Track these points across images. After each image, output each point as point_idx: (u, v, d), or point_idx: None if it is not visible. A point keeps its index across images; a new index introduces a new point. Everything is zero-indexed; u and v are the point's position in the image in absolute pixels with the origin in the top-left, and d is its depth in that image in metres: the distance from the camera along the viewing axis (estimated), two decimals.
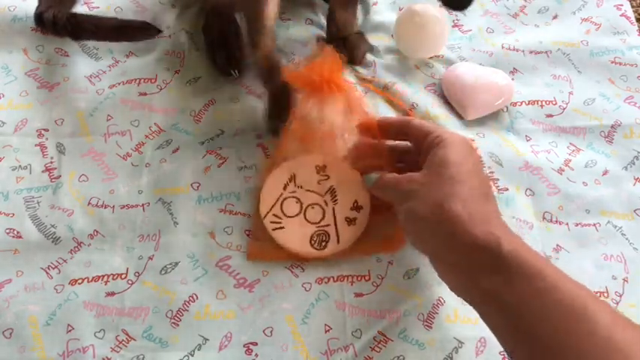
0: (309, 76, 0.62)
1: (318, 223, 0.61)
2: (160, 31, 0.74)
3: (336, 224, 0.61)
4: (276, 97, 0.68)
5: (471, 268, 0.48)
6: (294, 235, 0.60)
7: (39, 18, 0.73)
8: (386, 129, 0.61)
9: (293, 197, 0.62)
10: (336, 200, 0.62)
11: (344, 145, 0.64)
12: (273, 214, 0.61)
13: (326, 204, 0.62)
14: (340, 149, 0.64)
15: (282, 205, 0.62)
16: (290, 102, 0.66)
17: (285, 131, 0.65)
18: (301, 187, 0.63)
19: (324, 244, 0.60)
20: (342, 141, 0.64)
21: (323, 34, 0.78)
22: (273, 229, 0.61)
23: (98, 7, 0.80)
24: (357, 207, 0.61)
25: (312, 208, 0.62)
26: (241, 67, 0.74)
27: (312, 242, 0.60)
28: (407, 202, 0.53)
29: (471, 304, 0.50)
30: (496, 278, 0.46)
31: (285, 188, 0.63)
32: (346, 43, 0.75)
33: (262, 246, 0.61)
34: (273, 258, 0.61)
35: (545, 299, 0.44)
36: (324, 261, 0.61)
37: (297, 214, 0.61)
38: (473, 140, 0.59)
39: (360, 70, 0.75)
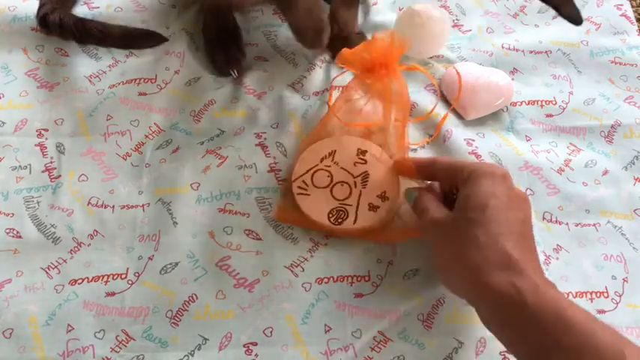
0: (364, 56, 0.63)
1: (342, 200, 0.62)
2: (165, 40, 0.74)
3: (358, 206, 0.61)
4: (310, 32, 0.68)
5: (496, 314, 0.47)
6: (316, 205, 0.61)
7: (43, 20, 0.73)
8: (418, 170, 0.59)
9: (326, 170, 0.63)
10: (365, 185, 0.63)
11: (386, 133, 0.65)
12: (303, 181, 0.63)
13: (355, 185, 0.63)
14: (380, 137, 0.65)
15: (313, 174, 0.63)
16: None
17: (330, 107, 0.66)
18: (337, 164, 0.64)
19: (340, 220, 0.61)
20: (384, 130, 0.65)
21: None
22: (298, 194, 0.62)
23: (98, 7, 0.80)
24: (383, 197, 0.62)
25: (341, 185, 0.62)
26: (240, 67, 0.74)
27: (330, 215, 0.61)
28: (431, 238, 0.53)
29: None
30: (522, 328, 0.45)
31: (321, 160, 0.64)
32: (347, 43, 0.75)
33: (289, 209, 0.62)
34: (296, 222, 0.62)
35: (576, 354, 0.42)
36: (323, 261, 0.61)
37: (324, 187, 0.62)
38: (506, 173, 0.53)
39: None
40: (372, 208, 0.61)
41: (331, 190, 0.62)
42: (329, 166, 0.64)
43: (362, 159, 0.64)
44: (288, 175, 0.65)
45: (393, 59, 0.63)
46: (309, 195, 0.62)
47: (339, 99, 0.66)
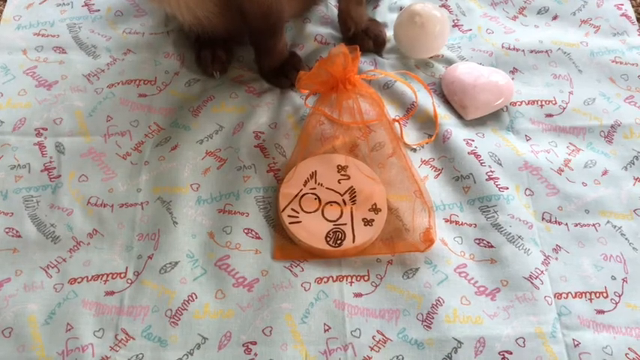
0: (323, 75, 0.64)
1: (335, 221, 0.62)
2: None
3: (352, 224, 0.61)
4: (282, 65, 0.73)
5: None
6: (310, 230, 0.61)
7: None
8: None
9: (312, 194, 0.63)
10: (354, 200, 0.63)
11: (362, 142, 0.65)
12: (292, 209, 0.62)
13: (344, 203, 0.62)
14: (358, 147, 0.65)
15: (300, 200, 0.63)
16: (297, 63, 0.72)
17: (304, 130, 0.67)
18: (321, 185, 0.64)
19: (339, 242, 0.60)
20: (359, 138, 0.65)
21: (322, 33, 0.78)
22: (290, 223, 0.61)
23: (99, 10, 0.80)
24: (375, 209, 0.62)
25: (331, 205, 0.62)
26: (225, 68, 0.74)
27: (328, 239, 0.60)
28: None
29: None
30: None
31: (305, 184, 0.64)
32: (368, 33, 0.76)
33: (287, 247, 0.62)
34: (298, 257, 0.61)
35: None
36: (323, 261, 0.61)
37: (314, 211, 0.62)
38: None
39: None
40: (368, 222, 0.61)
41: (322, 213, 0.62)
42: (314, 189, 0.63)
43: (345, 174, 0.64)
44: (285, 175, 0.65)
45: (352, 71, 0.64)
46: (300, 222, 0.61)
47: (311, 120, 0.66)
